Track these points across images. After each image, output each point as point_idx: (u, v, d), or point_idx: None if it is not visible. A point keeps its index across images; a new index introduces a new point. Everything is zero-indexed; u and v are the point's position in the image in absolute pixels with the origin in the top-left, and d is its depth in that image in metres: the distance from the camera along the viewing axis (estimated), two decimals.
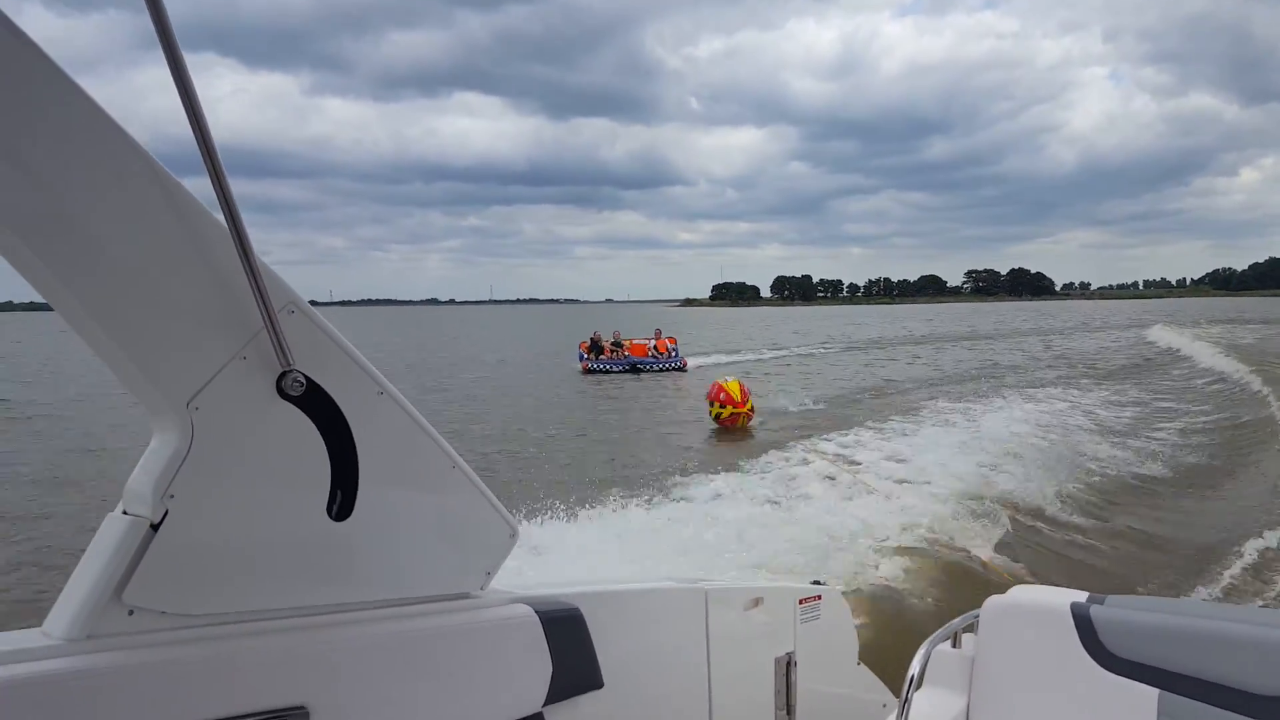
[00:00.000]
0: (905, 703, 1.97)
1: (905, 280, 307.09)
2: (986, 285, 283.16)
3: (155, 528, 1.28)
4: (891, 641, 4.47)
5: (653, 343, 28.13)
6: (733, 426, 15.02)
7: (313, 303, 1.48)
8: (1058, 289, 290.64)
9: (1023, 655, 2.15)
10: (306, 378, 1.41)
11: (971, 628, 2.29)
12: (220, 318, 1.33)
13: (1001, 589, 2.30)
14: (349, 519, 1.49)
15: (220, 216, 1.28)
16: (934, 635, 2.23)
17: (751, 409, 15.28)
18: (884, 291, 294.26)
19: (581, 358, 28.15)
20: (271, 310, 1.33)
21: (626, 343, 28.36)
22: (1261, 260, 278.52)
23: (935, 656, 2.23)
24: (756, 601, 2.55)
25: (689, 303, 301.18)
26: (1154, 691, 1.95)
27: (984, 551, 7.06)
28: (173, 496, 1.29)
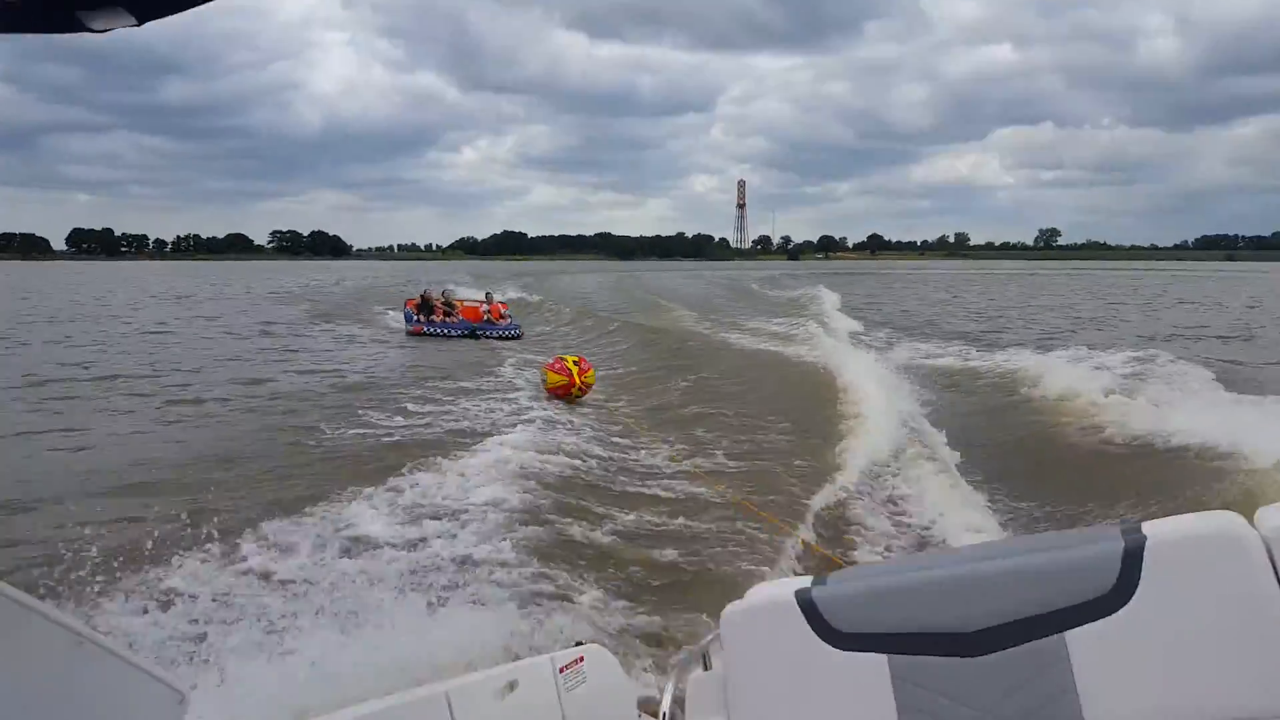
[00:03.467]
0: None
1: (214, 237, 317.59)
2: (292, 245, 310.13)
3: None
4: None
5: (485, 307, 26.34)
6: (561, 391, 13.93)
7: None
8: (354, 251, 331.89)
9: (766, 659, 2.09)
10: None
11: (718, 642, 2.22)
12: None
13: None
14: None
15: None
16: (678, 662, 2.23)
17: (583, 387, 14.20)
18: (194, 248, 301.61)
19: (409, 317, 26.04)
20: None
21: (459, 304, 26.79)
22: (498, 231, 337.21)
23: (692, 684, 2.23)
24: (511, 686, 2.40)
25: None
26: (882, 658, 1.96)
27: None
28: None
